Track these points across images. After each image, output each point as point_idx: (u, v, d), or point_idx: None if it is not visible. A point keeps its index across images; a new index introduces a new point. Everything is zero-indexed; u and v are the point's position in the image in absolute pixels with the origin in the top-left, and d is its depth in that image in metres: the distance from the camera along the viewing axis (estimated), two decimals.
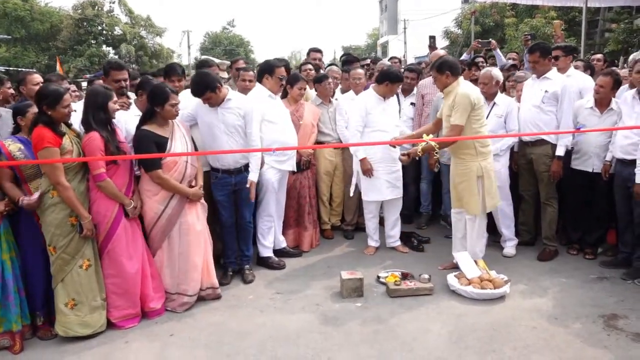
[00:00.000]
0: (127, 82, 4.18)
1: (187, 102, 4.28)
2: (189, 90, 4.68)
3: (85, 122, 3.44)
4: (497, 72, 4.70)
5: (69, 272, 3.35)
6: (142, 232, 3.73)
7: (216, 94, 3.98)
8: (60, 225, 3.31)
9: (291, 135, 4.64)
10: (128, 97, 4.17)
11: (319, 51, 6.51)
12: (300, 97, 4.95)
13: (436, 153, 4.16)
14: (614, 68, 4.90)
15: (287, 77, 4.83)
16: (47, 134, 3.22)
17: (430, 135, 4.26)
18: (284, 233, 4.97)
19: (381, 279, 4.22)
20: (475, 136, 4.07)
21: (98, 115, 3.41)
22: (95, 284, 3.45)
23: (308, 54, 6.57)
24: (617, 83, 4.40)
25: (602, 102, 4.46)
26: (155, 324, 3.64)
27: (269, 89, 4.57)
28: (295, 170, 4.81)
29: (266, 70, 4.60)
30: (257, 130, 4.21)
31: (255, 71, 5.14)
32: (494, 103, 4.68)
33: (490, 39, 7.57)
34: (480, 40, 7.61)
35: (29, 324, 3.42)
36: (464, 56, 7.39)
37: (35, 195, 3.26)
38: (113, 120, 3.56)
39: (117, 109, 3.63)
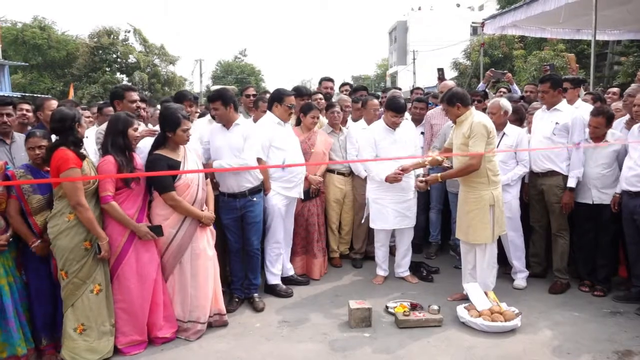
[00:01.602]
0: (142, 104, 4.26)
1: (203, 130, 4.42)
2: (203, 119, 4.80)
3: (103, 146, 3.53)
4: (505, 102, 4.71)
5: (79, 296, 3.35)
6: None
7: (225, 109, 4.14)
8: (75, 250, 3.32)
9: (299, 162, 4.67)
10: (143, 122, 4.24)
11: (331, 80, 6.62)
12: (313, 126, 5.01)
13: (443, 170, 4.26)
14: (604, 106, 4.93)
15: (302, 106, 4.88)
16: (71, 155, 3.30)
17: (436, 152, 4.32)
18: (291, 260, 4.95)
19: (390, 309, 4.17)
20: (479, 152, 4.03)
21: (117, 141, 3.49)
22: (105, 309, 3.44)
23: (320, 83, 6.68)
24: (609, 120, 4.43)
25: (598, 136, 4.48)
26: (161, 351, 3.61)
27: (278, 116, 4.62)
28: (303, 197, 4.81)
29: (276, 98, 4.67)
30: (253, 155, 4.21)
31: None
32: (504, 133, 4.69)
33: (506, 71, 7.61)
34: (494, 70, 7.67)
35: (33, 348, 3.40)
36: (480, 86, 7.46)
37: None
38: (135, 146, 3.65)
39: (137, 136, 3.70)
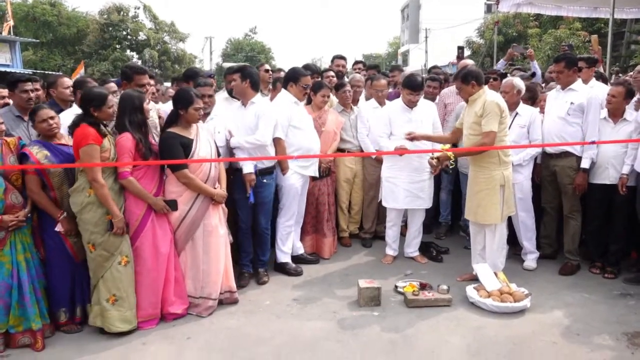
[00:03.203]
0: (151, 87, 4.22)
1: (227, 108, 4.52)
2: (219, 95, 4.80)
3: (120, 125, 3.54)
4: (518, 82, 4.64)
5: (108, 268, 3.43)
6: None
7: (242, 82, 4.21)
8: (99, 223, 3.39)
9: (315, 141, 4.67)
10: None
11: (343, 58, 6.55)
12: (324, 105, 4.97)
13: (451, 163, 4.19)
14: (626, 78, 4.82)
15: (312, 84, 4.86)
16: (91, 131, 3.34)
17: (448, 146, 4.27)
18: (301, 239, 4.97)
19: (399, 289, 4.19)
20: (495, 146, 4.01)
21: (134, 118, 3.52)
22: (133, 280, 3.52)
23: (332, 61, 6.61)
24: (629, 93, 4.34)
25: (616, 112, 4.40)
26: (172, 326, 3.66)
27: (294, 95, 4.60)
28: (317, 176, 4.82)
29: (291, 78, 4.64)
30: (268, 134, 4.22)
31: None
32: (517, 113, 4.62)
33: (528, 46, 7.50)
34: (516, 45, 7.53)
35: (48, 323, 3.47)
36: (500, 63, 7.33)
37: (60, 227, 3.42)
38: (148, 121, 3.67)
39: (150, 110, 3.72)
